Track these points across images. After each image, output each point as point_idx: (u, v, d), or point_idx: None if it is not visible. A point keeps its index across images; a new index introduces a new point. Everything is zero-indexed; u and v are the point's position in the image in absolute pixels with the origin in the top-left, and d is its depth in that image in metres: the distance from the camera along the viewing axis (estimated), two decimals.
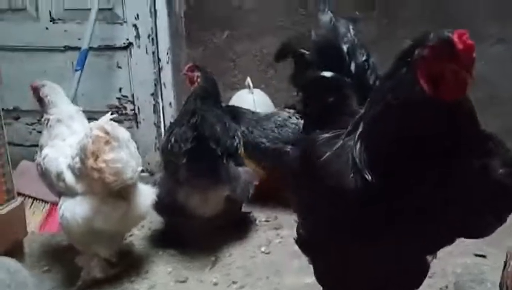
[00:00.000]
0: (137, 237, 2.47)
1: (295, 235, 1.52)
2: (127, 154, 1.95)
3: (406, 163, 1.07)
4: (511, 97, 2.93)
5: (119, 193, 1.99)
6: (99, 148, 1.87)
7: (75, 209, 1.94)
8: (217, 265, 2.22)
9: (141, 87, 3.20)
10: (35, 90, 2.22)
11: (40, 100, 2.21)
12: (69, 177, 1.99)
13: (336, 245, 1.26)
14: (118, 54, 3.17)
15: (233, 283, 2.09)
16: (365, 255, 1.25)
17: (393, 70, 1.14)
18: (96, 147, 1.87)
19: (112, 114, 1.97)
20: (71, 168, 1.98)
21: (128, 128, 3.23)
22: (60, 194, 2.05)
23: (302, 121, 2.46)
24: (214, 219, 2.29)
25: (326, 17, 1.45)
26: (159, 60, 3.15)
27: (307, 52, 1.43)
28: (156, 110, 3.22)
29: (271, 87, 3.15)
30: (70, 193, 1.98)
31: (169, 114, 3.22)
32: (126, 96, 3.24)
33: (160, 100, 3.22)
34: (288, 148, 2.50)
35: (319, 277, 1.50)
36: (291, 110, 2.69)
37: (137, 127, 3.27)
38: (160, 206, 2.21)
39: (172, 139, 2.18)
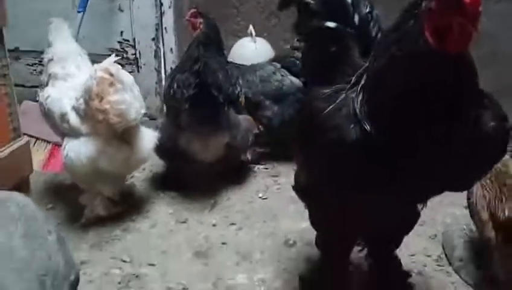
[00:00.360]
0: (138, 178, 2.54)
1: (292, 182, 1.58)
2: (130, 97, 1.99)
3: (409, 116, 1.10)
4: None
5: (123, 135, 2.04)
6: (104, 90, 1.91)
7: (79, 149, 1.99)
8: (216, 208, 2.30)
9: (142, 31, 3.17)
10: None
11: None
12: (74, 118, 2.02)
13: (333, 193, 1.30)
14: None
15: (232, 224, 2.17)
16: (361, 204, 1.29)
17: (399, 22, 1.15)
18: (101, 88, 1.90)
19: (115, 56, 1.98)
20: (75, 109, 2.02)
21: (129, 72, 3.25)
22: (63, 135, 2.09)
23: (290, 78, 2.53)
24: (214, 164, 2.35)
25: None
26: (161, 4, 3.11)
27: (312, 2, 1.44)
28: (157, 55, 3.21)
29: (273, 35, 3.14)
30: (74, 133, 2.02)
31: (170, 60, 3.21)
32: (127, 40, 3.22)
33: (161, 45, 3.20)
34: (267, 102, 2.57)
35: (314, 221, 1.57)
36: (278, 64, 2.69)
37: (138, 71, 3.27)
38: (161, 150, 2.27)
39: (175, 85, 2.20)
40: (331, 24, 1.41)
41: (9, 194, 1.62)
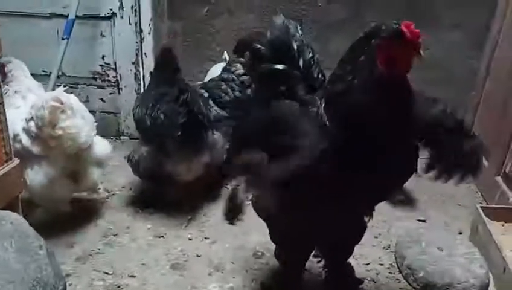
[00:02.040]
0: (119, 196, 2.71)
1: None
2: (81, 121, 2.22)
3: (364, 131, 1.34)
4: (464, 79, 3.22)
5: (74, 157, 2.26)
6: (56, 118, 2.13)
7: (35, 177, 2.19)
8: (192, 223, 2.49)
9: (123, 55, 3.35)
10: (1, 66, 2.40)
11: (4, 74, 2.38)
12: (25, 140, 2.18)
13: (284, 208, 1.52)
14: (102, 24, 3.30)
15: (206, 238, 2.37)
16: (314, 216, 1.51)
17: (350, 56, 1.41)
18: (53, 116, 2.12)
19: (64, 86, 2.25)
20: (26, 131, 2.19)
21: (110, 94, 3.47)
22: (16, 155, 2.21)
23: (215, 109, 2.66)
24: (192, 183, 2.54)
25: (279, 19, 1.70)
26: (141, 30, 3.30)
27: (262, 48, 1.66)
28: (136, 78, 3.41)
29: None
30: (26, 153, 2.19)
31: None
32: (109, 64, 3.40)
33: (141, 69, 3.40)
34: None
35: (272, 237, 1.80)
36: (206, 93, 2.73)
37: (119, 93, 3.46)
38: (146, 175, 2.50)
39: (162, 115, 2.37)
40: (279, 66, 1.64)
41: (3, 213, 1.80)
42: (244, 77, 2.69)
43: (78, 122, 2.21)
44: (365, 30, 1.40)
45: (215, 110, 2.64)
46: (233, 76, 2.74)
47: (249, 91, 2.61)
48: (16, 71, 2.39)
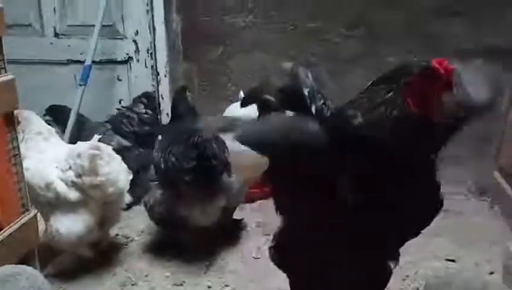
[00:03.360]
0: (137, 242, 2.67)
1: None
2: (118, 167, 2.29)
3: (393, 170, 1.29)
4: None
5: (108, 206, 2.31)
6: (96, 166, 2.16)
7: (71, 226, 2.19)
8: (211, 269, 2.42)
9: None
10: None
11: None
12: (62, 187, 2.19)
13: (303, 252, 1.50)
14: (119, 68, 3.37)
15: (226, 285, 2.29)
16: (331, 261, 1.45)
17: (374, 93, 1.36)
18: (93, 164, 2.16)
19: (99, 134, 2.32)
20: (63, 180, 2.19)
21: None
22: (43, 206, 2.24)
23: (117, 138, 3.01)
24: (210, 227, 2.49)
25: (288, 65, 1.67)
26: (157, 73, 3.35)
27: (272, 99, 1.62)
28: None
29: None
30: (61, 202, 2.19)
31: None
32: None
33: (159, 111, 3.42)
34: None
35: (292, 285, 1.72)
36: (109, 125, 3.10)
37: None
38: (162, 222, 2.47)
39: (173, 158, 2.36)
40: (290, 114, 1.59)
41: (19, 268, 1.76)
42: (144, 116, 3.11)
43: (116, 168, 2.26)
44: (390, 68, 1.37)
45: (117, 139, 2.98)
46: (134, 114, 3.09)
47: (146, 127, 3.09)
48: (28, 117, 2.38)
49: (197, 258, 2.48)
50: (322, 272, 1.53)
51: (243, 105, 1.82)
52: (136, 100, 3.18)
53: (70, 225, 2.19)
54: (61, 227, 2.19)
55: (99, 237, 2.41)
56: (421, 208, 1.44)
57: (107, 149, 2.25)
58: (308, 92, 1.60)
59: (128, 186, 2.36)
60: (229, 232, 2.70)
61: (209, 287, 2.29)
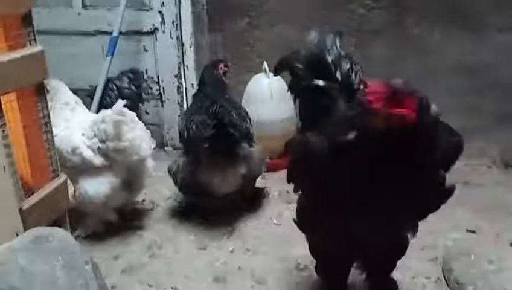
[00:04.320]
0: (163, 207, 2.77)
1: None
2: (142, 133, 2.36)
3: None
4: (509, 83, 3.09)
5: (132, 170, 2.39)
6: (120, 131, 2.24)
7: (98, 188, 2.29)
8: (233, 234, 2.50)
9: (166, 69, 3.45)
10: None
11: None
12: (87, 152, 2.29)
13: (319, 219, 1.56)
14: (145, 39, 3.41)
15: (248, 250, 2.37)
16: (341, 228, 1.50)
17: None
18: (118, 130, 2.23)
19: (122, 100, 2.33)
20: (89, 147, 2.29)
21: (154, 107, 3.55)
22: (71, 170, 2.30)
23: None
24: (232, 194, 2.56)
25: (312, 34, 1.71)
26: (182, 44, 3.38)
27: (300, 66, 1.69)
28: (179, 91, 3.48)
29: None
30: (85, 166, 2.29)
31: (192, 94, 3.47)
32: (152, 78, 3.49)
33: (183, 81, 3.47)
34: None
35: (311, 249, 1.80)
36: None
37: (163, 105, 3.55)
38: (184, 188, 2.54)
39: (194, 126, 2.42)
40: (317, 82, 1.64)
41: (51, 230, 1.85)
42: (125, 90, 3.16)
43: (140, 133, 2.35)
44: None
45: None
46: (114, 87, 3.15)
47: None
48: (55, 89, 2.46)
49: (221, 224, 2.56)
50: (338, 236, 1.57)
51: (275, 74, 1.92)
52: (123, 74, 3.22)
53: (97, 187, 2.29)
54: (89, 189, 2.30)
55: (125, 201, 2.51)
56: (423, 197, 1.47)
57: (131, 115, 2.31)
58: (333, 59, 1.65)
59: (150, 152, 2.42)
60: (252, 200, 2.77)
61: (231, 251, 2.37)
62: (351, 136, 1.38)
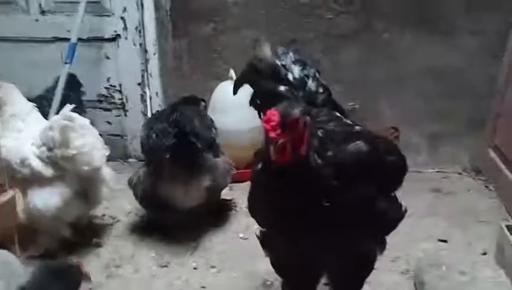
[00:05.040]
0: (124, 223, 2.62)
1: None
2: (93, 140, 2.18)
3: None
4: (483, 88, 3.05)
5: (85, 179, 2.21)
6: (67, 137, 2.07)
7: (48, 200, 2.12)
8: (197, 250, 2.38)
9: (129, 77, 3.31)
10: None
11: None
12: (36, 163, 2.12)
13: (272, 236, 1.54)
14: (106, 45, 3.27)
15: (212, 267, 2.25)
16: (293, 246, 1.46)
17: None
18: (65, 136, 2.06)
19: (71, 105, 2.16)
20: (38, 156, 2.13)
21: (116, 116, 3.41)
22: (22, 185, 2.19)
23: None
24: (196, 208, 2.43)
25: (264, 43, 1.69)
26: (146, 51, 3.25)
27: (256, 77, 1.66)
28: (143, 100, 3.35)
29: None
30: (35, 178, 2.13)
31: (157, 103, 3.34)
32: (114, 86, 3.35)
33: (147, 90, 3.34)
34: None
35: (273, 267, 1.70)
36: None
37: (126, 115, 3.41)
38: (145, 201, 2.40)
39: (153, 135, 2.31)
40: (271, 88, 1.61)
41: None
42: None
43: (91, 140, 2.17)
44: None
45: None
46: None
47: None
48: (8, 94, 2.30)
49: (184, 239, 2.43)
50: (300, 258, 1.51)
51: (235, 92, 1.85)
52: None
53: (47, 199, 2.12)
54: (38, 201, 2.13)
55: (81, 215, 2.34)
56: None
57: (81, 120, 2.15)
58: (284, 65, 1.62)
59: (103, 161, 2.27)
60: (217, 213, 2.65)
61: (194, 268, 2.25)
62: (259, 166, 1.41)
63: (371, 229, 1.45)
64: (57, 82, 2.91)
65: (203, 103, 2.71)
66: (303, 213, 1.33)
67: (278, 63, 1.63)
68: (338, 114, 1.57)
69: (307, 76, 1.62)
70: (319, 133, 1.35)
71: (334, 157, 1.33)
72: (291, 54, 1.66)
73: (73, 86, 2.99)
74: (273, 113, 1.23)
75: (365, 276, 1.65)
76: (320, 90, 1.62)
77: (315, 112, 1.47)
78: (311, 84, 1.61)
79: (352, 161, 1.37)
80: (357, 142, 1.41)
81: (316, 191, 1.32)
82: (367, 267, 1.60)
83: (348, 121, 1.56)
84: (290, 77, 1.61)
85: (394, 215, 1.51)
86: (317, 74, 1.64)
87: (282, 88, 1.59)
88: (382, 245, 1.56)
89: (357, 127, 1.53)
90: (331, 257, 1.49)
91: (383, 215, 1.44)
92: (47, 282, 1.54)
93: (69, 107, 2.13)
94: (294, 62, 1.64)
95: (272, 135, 1.22)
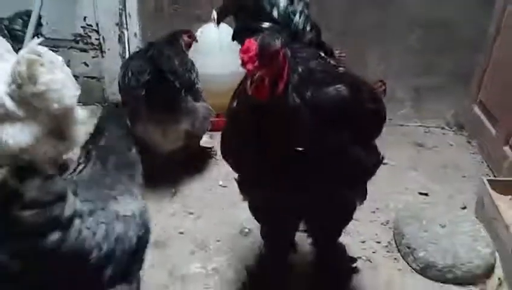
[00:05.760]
0: None
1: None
2: (64, 77, 2.02)
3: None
4: (473, 41, 2.98)
5: (57, 119, 2.08)
6: (35, 71, 1.91)
7: (20, 135, 2.00)
8: (176, 196, 2.33)
9: (106, 16, 3.13)
10: None
11: None
12: (9, 103, 1.99)
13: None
14: None
15: (190, 213, 2.21)
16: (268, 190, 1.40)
17: None
18: (32, 70, 1.91)
19: (38, 38, 2.01)
20: (9, 95, 1.99)
21: (93, 57, 3.26)
22: None
23: None
24: (174, 153, 2.36)
25: None
26: None
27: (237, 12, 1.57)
28: (121, 41, 3.19)
29: None
30: (11, 118, 2.00)
31: (135, 44, 3.19)
32: (91, 25, 3.17)
33: (125, 30, 3.18)
34: None
35: (250, 211, 1.66)
36: None
37: (103, 56, 3.25)
38: None
39: (129, 73, 2.20)
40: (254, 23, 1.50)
41: None
42: (19, 33, 2.68)
43: (61, 76, 2.00)
44: None
45: None
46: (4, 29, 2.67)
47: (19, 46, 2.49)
48: None
49: (162, 185, 2.37)
50: (276, 203, 1.46)
51: (218, 23, 1.73)
52: (16, 16, 2.79)
53: (17, 135, 2.00)
54: (8, 137, 2.00)
55: (56, 155, 2.22)
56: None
57: (50, 55, 1.99)
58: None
59: (75, 101, 2.11)
60: (197, 160, 2.58)
61: (172, 214, 2.20)
62: (235, 103, 1.35)
63: (348, 176, 1.37)
64: (16, 14, 2.74)
65: (183, 41, 2.53)
66: (277, 156, 1.27)
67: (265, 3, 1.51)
68: (322, 54, 1.47)
69: (293, 12, 1.50)
70: (300, 69, 1.25)
71: (312, 99, 1.24)
72: None
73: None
74: (252, 43, 1.14)
75: (343, 225, 1.63)
76: (308, 27, 1.51)
77: (296, 47, 1.36)
78: (297, 20, 1.50)
79: (332, 105, 1.28)
80: (339, 85, 1.31)
81: (291, 134, 1.24)
82: (345, 216, 1.57)
83: (332, 62, 1.46)
84: (275, 13, 1.50)
85: (372, 163, 1.45)
86: (305, 10, 1.52)
87: (265, 25, 1.48)
88: (361, 195, 1.52)
89: (341, 69, 1.43)
90: (307, 203, 1.43)
91: (360, 162, 1.38)
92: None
93: (36, 40, 1.98)
94: None
95: (249, 66, 1.13)
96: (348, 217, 1.57)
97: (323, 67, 1.36)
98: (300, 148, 1.25)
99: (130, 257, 1.27)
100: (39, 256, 1.04)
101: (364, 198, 1.53)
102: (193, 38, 2.57)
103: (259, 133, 1.26)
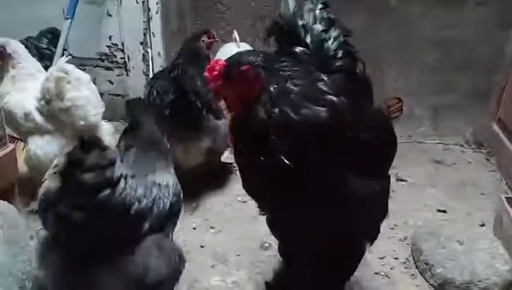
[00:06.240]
0: None
1: None
2: (89, 94, 2.16)
3: None
4: (491, 60, 3.00)
5: (84, 133, 2.12)
6: (62, 88, 2.07)
7: (46, 147, 2.14)
8: (197, 211, 2.38)
9: (131, 35, 3.25)
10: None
11: (3, 57, 2.26)
12: (39, 117, 2.15)
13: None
14: (109, 2, 3.20)
15: (211, 227, 2.26)
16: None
17: None
18: (59, 87, 2.06)
19: (66, 56, 2.16)
20: (39, 110, 2.15)
21: (118, 75, 3.37)
22: (25, 136, 2.21)
23: None
24: (196, 168, 2.42)
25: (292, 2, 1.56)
26: (148, 9, 3.18)
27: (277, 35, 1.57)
28: (145, 59, 3.30)
29: (258, 40, 3.21)
30: (40, 131, 2.16)
31: (158, 63, 3.29)
32: (116, 45, 3.30)
33: (149, 49, 3.28)
34: None
35: (270, 230, 1.67)
36: None
37: (127, 74, 3.36)
38: None
39: (155, 92, 2.28)
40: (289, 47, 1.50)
41: None
42: (45, 51, 2.86)
43: (86, 93, 2.15)
44: None
45: None
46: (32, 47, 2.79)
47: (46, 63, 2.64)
48: (20, 51, 2.29)
49: (184, 199, 2.41)
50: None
51: (264, 40, 1.69)
52: (41, 34, 2.96)
53: (46, 146, 2.14)
54: (38, 149, 2.15)
55: None
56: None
57: (77, 73, 2.12)
58: (304, 24, 1.51)
59: (100, 119, 2.25)
60: (218, 175, 2.64)
61: (193, 228, 2.26)
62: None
63: (333, 204, 1.30)
64: (41, 33, 2.91)
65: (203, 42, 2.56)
66: (264, 172, 1.29)
67: (299, 22, 1.51)
68: (319, 74, 1.36)
69: (327, 38, 1.49)
70: (271, 88, 1.24)
71: (281, 116, 1.22)
72: (317, 11, 1.52)
73: (55, 40, 2.90)
74: (217, 62, 1.19)
75: (351, 266, 1.62)
76: (340, 54, 1.48)
77: (280, 65, 1.31)
78: (329, 46, 1.49)
79: (304, 126, 1.23)
80: (317, 107, 1.25)
81: (261, 151, 1.25)
82: (352, 255, 1.56)
83: (323, 88, 1.32)
84: (308, 39, 1.50)
85: (366, 193, 1.34)
86: (341, 37, 1.50)
87: (297, 49, 1.48)
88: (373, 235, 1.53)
89: (330, 97, 1.30)
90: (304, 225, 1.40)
91: (353, 198, 1.30)
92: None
93: (64, 59, 2.12)
94: (319, 21, 1.51)
95: (212, 85, 1.18)
96: (354, 257, 1.56)
97: (305, 87, 1.29)
98: (262, 159, 1.26)
99: (164, 218, 1.57)
100: (94, 208, 1.29)
101: (375, 239, 1.53)
102: (213, 38, 2.60)
103: (241, 149, 1.34)
